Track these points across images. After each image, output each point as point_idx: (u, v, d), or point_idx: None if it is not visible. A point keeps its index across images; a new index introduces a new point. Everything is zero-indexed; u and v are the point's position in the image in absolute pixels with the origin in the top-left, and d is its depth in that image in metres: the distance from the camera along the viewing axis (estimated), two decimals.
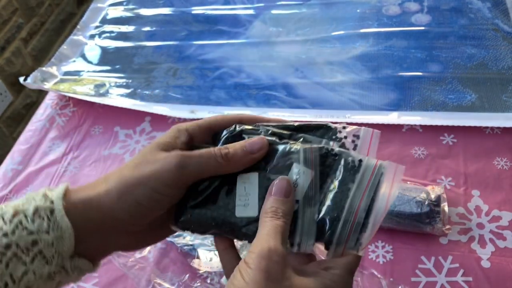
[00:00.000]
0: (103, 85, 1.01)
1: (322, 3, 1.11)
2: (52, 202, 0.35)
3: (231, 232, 0.40)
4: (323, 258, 0.39)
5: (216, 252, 0.61)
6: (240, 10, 1.14)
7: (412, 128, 0.83)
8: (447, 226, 0.66)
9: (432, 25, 1.00)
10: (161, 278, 0.68)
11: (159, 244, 0.71)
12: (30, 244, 0.33)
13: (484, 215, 0.69)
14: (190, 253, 0.68)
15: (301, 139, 0.41)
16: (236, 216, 0.39)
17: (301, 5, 1.12)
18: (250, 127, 0.42)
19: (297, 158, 0.39)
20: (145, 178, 0.37)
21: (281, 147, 0.40)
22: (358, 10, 1.07)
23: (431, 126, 0.81)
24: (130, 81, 1.02)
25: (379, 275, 0.62)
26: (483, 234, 0.67)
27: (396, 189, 0.37)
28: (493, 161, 0.76)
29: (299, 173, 0.38)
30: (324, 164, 0.39)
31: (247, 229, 0.39)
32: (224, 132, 0.42)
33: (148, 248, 0.71)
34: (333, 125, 0.42)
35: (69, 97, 1.01)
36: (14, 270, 0.33)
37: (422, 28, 1.00)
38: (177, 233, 0.67)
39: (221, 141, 0.42)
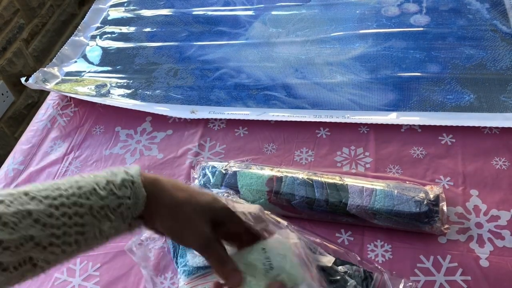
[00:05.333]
0: (104, 85, 1.02)
1: (321, 4, 1.12)
2: (132, 176, 0.45)
3: None
4: None
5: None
6: (240, 11, 1.15)
7: (411, 128, 0.83)
8: (446, 226, 0.67)
9: (431, 26, 1.00)
10: (161, 277, 0.69)
11: (159, 244, 0.72)
12: (117, 206, 0.43)
13: (482, 215, 0.70)
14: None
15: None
16: None
17: (301, 6, 1.13)
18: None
19: None
20: (193, 202, 0.46)
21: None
22: (357, 11, 1.08)
23: (429, 126, 0.82)
24: (131, 81, 1.02)
25: (382, 269, 0.62)
26: (482, 234, 0.68)
27: None
28: (491, 161, 0.76)
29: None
30: None
31: None
32: None
33: (149, 247, 0.71)
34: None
35: (71, 97, 1.01)
36: (103, 225, 0.42)
37: (421, 29, 1.00)
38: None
39: None
